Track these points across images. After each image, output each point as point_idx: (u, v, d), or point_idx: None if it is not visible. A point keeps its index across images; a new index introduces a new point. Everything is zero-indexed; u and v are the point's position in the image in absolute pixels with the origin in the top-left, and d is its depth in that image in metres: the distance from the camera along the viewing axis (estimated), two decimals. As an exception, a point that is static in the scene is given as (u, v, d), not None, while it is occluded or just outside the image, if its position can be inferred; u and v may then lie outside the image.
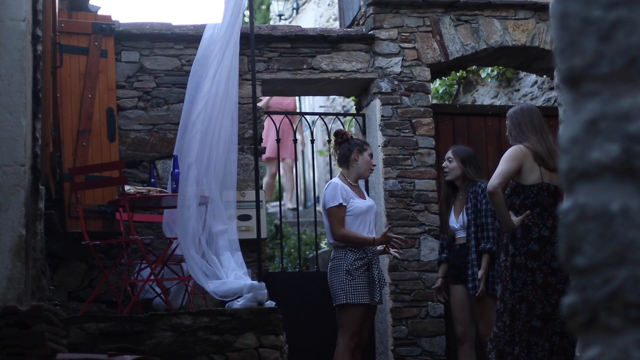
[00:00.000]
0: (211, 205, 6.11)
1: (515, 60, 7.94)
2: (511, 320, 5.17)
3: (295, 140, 7.94)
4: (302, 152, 12.88)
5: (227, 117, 6.32)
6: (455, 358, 6.59)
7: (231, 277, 5.91)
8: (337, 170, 11.54)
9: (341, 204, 5.77)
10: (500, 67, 8.85)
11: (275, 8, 15.15)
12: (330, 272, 5.77)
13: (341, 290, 5.65)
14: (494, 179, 5.19)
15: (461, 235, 6.11)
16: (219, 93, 6.33)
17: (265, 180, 10.87)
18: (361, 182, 6.32)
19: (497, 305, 5.36)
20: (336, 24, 11.66)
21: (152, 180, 6.06)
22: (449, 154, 6.23)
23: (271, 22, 15.27)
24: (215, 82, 6.36)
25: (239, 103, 6.71)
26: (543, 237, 5.19)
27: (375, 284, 5.66)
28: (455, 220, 6.12)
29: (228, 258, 6.07)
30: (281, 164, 10.96)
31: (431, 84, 7.78)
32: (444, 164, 6.23)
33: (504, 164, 5.26)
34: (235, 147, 6.44)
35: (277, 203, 9.40)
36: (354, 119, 8.04)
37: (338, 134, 6.07)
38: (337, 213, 5.76)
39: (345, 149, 5.94)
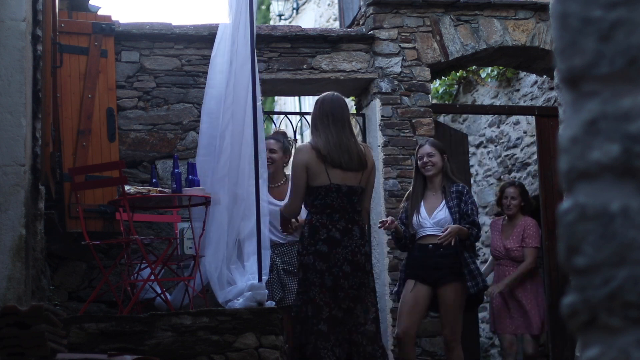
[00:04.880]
0: (244, 206, 6.15)
1: (515, 60, 7.94)
2: (300, 324, 4.97)
3: (295, 140, 7.94)
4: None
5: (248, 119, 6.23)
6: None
7: (244, 282, 5.95)
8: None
9: None
10: (500, 67, 8.86)
11: (275, 8, 15.17)
12: None
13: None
14: (290, 200, 5.12)
15: (431, 233, 5.73)
16: (240, 99, 6.30)
17: None
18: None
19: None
20: (336, 24, 11.66)
21: (154, 180, 6.05)
22: (429, 148, 5.84)
23: (271, 22, 15.27)
24: (234, 88, 6.34)
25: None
26: (333, 239, 4.94)
27: (273, 285, 5.75)
28: (428, 218, 5.76)
29: (252, 263, 6.07)
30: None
31: (431, 84, 7.78)
32: (425, 159, 5.80)
33: (291, 179, 5.12)
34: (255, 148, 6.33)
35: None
36: (354, 119, 8.04)
37: None
38: None
39: None
